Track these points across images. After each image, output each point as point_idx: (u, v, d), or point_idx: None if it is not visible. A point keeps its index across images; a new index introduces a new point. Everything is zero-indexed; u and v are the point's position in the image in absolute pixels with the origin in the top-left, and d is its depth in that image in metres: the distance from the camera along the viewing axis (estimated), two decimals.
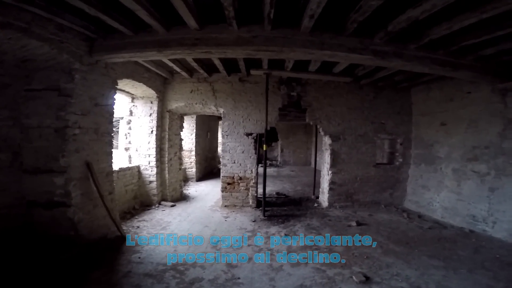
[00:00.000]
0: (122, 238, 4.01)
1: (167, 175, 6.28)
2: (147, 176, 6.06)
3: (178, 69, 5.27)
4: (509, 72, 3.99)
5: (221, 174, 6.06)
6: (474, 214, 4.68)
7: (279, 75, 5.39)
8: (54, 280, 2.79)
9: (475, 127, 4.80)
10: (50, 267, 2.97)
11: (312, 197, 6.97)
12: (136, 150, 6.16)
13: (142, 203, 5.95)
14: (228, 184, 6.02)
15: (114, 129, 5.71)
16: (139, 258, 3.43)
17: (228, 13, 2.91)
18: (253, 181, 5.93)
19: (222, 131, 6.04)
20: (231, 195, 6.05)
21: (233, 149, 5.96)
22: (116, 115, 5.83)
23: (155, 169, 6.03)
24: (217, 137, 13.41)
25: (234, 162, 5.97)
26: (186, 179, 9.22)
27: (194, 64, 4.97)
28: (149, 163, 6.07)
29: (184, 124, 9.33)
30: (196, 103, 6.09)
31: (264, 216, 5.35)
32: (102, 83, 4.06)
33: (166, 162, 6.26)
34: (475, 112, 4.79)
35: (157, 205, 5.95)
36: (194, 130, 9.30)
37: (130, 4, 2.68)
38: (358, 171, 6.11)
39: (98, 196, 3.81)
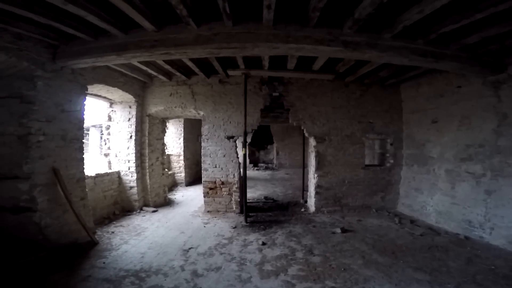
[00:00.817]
0: (93, 243, 3.91)
1: (148, 181, 6.09)
2: (127, 181, 5.88)
3: (154, 73, 5.11)
4: (499, 62, 3.62)
5: (203, 179, 5.79)
6: (470, 219, 4.25)
7: (258, 74, 5.12)
8: (11, 282, 2.77)
9: (468, 124, 4.40)
10: (11, 269, 2.95)
11: (301, 201, 6.62)
12: (116, 156, 5.97)
13: (124, 209, 5.80)
14: (210, 189, 5.74)
15: (94, 135, 5.56)
16: (104, 263, 3.32)
17: (180, 11, 2.74)
18: (236, 185, 5.62)
19: (202, 134, 5.78)
20: (214, 200, 5.76)
21: (214, 153, 5.69)
22: (96, 121, 5.67)
23: (135, 175, 5.86)
24: None
25: (216, 167, 5.69)
26: (175, 184, 8.97)
27: (168, 67, 4.77)
28: (129, 169, 5.89)
29: (172, 128, 9.23)
30: (175, 107, 5.88)
31: (246, 222, 5.03)
32: (69, 89, 4.05)
33: (147, 167, 6.06)
34: (467, 108, 4.40)
35: (138, 211, 5.78)
36: (182, 134, 9.09)
37: (77, 11, 2.65)
38: (346, 174, 5.75)
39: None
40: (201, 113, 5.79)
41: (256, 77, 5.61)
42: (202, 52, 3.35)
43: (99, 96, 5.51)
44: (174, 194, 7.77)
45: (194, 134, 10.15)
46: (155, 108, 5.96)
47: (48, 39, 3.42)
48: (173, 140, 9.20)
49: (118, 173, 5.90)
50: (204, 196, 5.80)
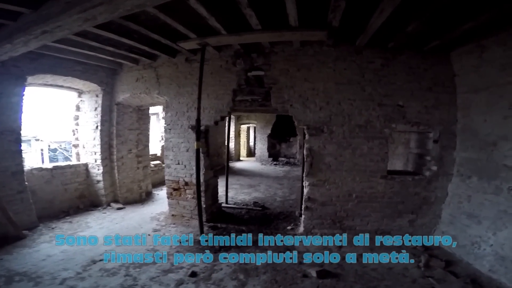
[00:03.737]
0: (18, 238, 3.70)
1: (117, 175, 5.45)
2: (94, 174, 5.44)
3: (117, 59, 4.50)
4: None
5: (165, 177, 4.78)
6: None
7: (218, 42, 3.66)
8: None
9: None
10: None
11: (296, 213, 5.00)
12: (83, 147, 5.49)
13: (93, 203, 5.42)
14: (174, 189, 4.70)
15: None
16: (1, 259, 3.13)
17: None
18: (202, 188, 4.40)
19: (165, 123, 4.72)
20: (178, 203, 4.72)
21: (176, 147, 4.58)
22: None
23: (101, 168, 5.34)
24: (224, 132, 12.20)
25: (179, 163, 4.59)
26: None
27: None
28: (95, 161, 5.43)
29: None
30: (140, 93, 5.02)
31: (203, 237, 3.82)
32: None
33: (115, 160, 5.38)
34: None
35: (105, 206, 5.33)
36: None
37: None
38: (354, 184, 3.90)
39: None
40: (165, 98, 4.70)
41: (229, 49, 4.19)
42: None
43: (61, 86, 5.14)
44: (163, 189, 7.05)
45: None
46: (122, 96, 5.25)
47: None
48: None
49: (86, 165, 5.49)
50: (168, 198, 4.82)
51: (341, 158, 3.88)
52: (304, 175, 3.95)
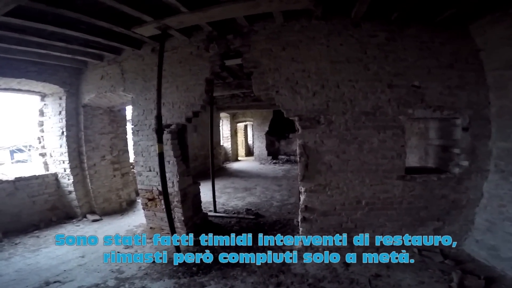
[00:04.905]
0: None
1: (90, 184, 4.73)
2: (65, 185, 4.73)
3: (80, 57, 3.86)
4: None
5: (138, 186, 4.01)
6: None
7: (180, 24, 2.81)
8: None
9: None
10: None
11: (295, 221, 4.19)
12: (51, 156, 4.75)
13: (68, 215, 4.77)
14: (149, 200, 3.93)
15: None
16: None
17: None
18: (177, 198, 3.62)
19: (132, 124, 3.92)
20: (155, 215, 3.95)
21: (146, 151, 3.79)
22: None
23: (71, 177, 4.63)
24: (219, 132, 11.44)
25: (150, 170, 3.81)
26: None
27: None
28: (64, 170, 4.70)
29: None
30: (105, 91, 4.27)
31: (178, 255, 3.08)
32: None
33: (86, 168, 4.65)
34: None
35: (80, 218, 4.68)
36: None
37: None
38: (363, 188, 3.04)
39: None
40: (131, 95, 3.93)
41: (200, 33, 3.40)
42: None
43: (20, 90, 4.42)
44: None
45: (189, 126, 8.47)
46: (88, 97, 4.50)
47: None
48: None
49: (56, 175, 4.79)
50: (144, 209, 4.06)
51: (345, 155, 3.01)
52: (299, 179, 3.11)
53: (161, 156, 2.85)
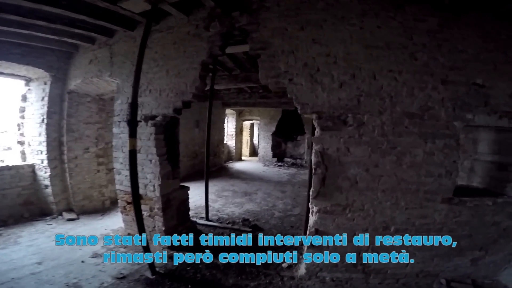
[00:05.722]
0: None
1: (69, 179, 4.13)
2: (41, 178, 4.13)
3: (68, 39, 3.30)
4: None
5: (116, 186, 3.36)
6: None
7: None
8: None
9: None
10: None
11: (301, 238, 3.46)
12: (29, 145, 4.17)
13: (43, 211, 4.17)
14: (128, 203, 3.27)
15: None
16: None
17: None
18: (158, 205, 2.95)
19: (115, 115, 3.27)
20: (134, 220, 3.26)
21: (126, 146, 3.10)
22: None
23: (49, 170, 4.04)
24: (223, 129, 10.76)
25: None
26: None
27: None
28: (42, 162, 4.09)
29: None
30: (92, 77, 3.69)
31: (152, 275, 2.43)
32: None
33: (66, 161, 4.06)
34: None
35: (55, 216, 4.11)
36: None
37: None
38: (395, 211, 2.27)
39: None
40: (117, 81, 3.29)
41: (201, 10, 2.74)
42: None
43: (2, 73, 3.91)
44: None
45: (188, 119, 7.84)
46: (74, 82, 3.91)
47: None
48: None
49: (32, 166, 4.20)
50: (121, 213, 3.41)
51: (377, 170, 2.24)
52: (311, 196, 2.38)
53: (133, 154, 2.17)
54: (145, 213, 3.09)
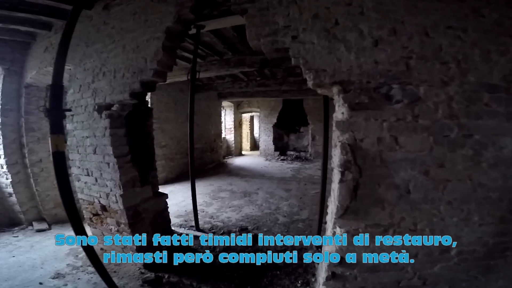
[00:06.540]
0: None
1: (34, 186, 3.50)
2: (4, 185, 3.52)
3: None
4: None
5: (78, 195, 2.62)
6: None
7: None
8: None
9: None
10: None
11: (314, 247, 2.72)
12: None
13: (12, 221, 3.60)
14: (94, 215, 2.54)
15: None
16: None
17: None
18: (123, 219, 2.19)
19: (66, 106, 2.49)
20: (103, 234, 2.56)
21: (81, 145, 2.37)
22: None
23: (10, 176, 3.42)
24: (220, 121, 9.94)
25: (88, 174, 2.40)
26: None
27: None
28: (1, 167, 3.44)
29: None
30: (46, 66, 2.95)
31: None
32: None
33: (29, 165, 3.37)
34: None
35: (24, 226, 3.55)
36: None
37: None
38: (462, 229, 1.46)
39: None
40: (69, 67, 2.49)
41: None
42: None
43: None
44: None
45: (178, 113, 7.03)
46: (30, 74, 3.19)
47: None
48: None
49: None
50: (89, 225, 2.68)
51: (442, 171, 1.41)
52: (335, 215, 1.58)
53: (58, 158, 1.38)
54: (112, 228, 2.36)
